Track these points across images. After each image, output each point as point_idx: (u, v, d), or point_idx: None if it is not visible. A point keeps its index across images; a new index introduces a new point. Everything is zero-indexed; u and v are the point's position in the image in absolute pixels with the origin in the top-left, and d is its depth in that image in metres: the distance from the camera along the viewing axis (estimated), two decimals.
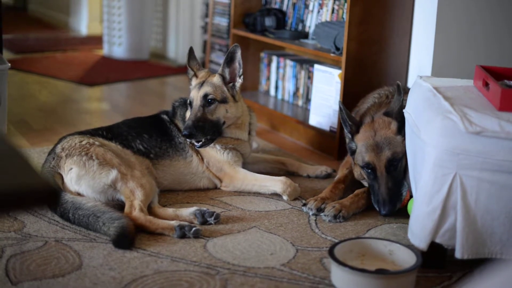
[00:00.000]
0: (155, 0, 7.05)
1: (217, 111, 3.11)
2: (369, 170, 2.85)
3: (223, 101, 3.12)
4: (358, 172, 2.97)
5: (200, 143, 3.06)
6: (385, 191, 2.79)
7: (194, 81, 3.20)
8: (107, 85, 5.75)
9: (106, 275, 2.24)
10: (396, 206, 2.80)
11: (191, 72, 3.24)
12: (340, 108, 2.95)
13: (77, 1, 8.77)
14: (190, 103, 3.14)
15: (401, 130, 2.84)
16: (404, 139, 2.82)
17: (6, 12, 7.95)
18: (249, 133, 3.32)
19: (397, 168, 2.83)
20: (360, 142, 2.89)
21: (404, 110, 2.74)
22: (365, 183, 2.99)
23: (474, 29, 3.62)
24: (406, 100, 2.81)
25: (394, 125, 2.86)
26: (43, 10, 10.08)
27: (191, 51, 3.26)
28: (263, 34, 4.46)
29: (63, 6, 9.22)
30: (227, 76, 3.18)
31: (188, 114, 3.16)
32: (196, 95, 3.12)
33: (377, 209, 2.82)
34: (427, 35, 3.61)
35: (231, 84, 3.18)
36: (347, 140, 3.01)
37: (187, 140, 3.09)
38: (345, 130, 2.98)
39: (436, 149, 2.25)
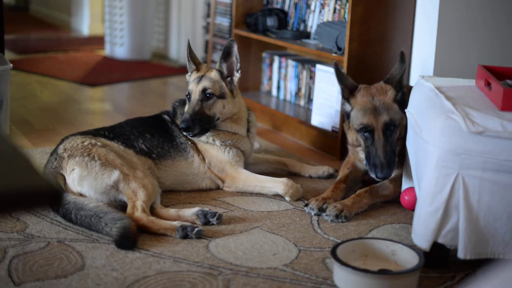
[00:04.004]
0: (157, 0, 7.05)
1: (214, 106, 3.12)
2: (366, 133, 2.90)
3: (221, 96, 3.14)
4: (354, 138, 3.00)
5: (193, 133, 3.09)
6: (383, 154, 2.86)
7: (194, 75, 3.20)
8: (109, 85, 5.75)
9: (108, 276, 2.24)
10: (392, 171, 2.87)
11: (192, 66, 3.23)
12: (336, 67, 2.99)
13: (79, 1, 8.77)
14: (188, 96, 3.15)
15: (398, 98, 2.93)
16: (400, 108, 2.92)
17: (8, 12, 7.93)
18: (249, 130, 3.32)
19: (393, 134, 2.90)
20: (358, 106, 2.95)
21: (406, 110, 2.75)
22: (360, 153, 3.02)
23: (476, 28, 3.62)
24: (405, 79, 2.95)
25: (391, 93, 2.94)
26: (45, 10, 10.08)
27: (189, 45, 3.25)
28: (264, 34, 4.46)
29: (65, 6, 9.23)
30: (225, 71, 3.19)
31: (186, 107, 3.17)
32: (194, 89, 3.13)
33: (373, 174, 2.90)
34: (429, 35, 3.61)
35: (229, 79, 3.19)
36: (341, 103, 3.04)
37: (184, 132, 3.09)
38: (340, 92, 3.01)
39: (439, 149, 2.25)
